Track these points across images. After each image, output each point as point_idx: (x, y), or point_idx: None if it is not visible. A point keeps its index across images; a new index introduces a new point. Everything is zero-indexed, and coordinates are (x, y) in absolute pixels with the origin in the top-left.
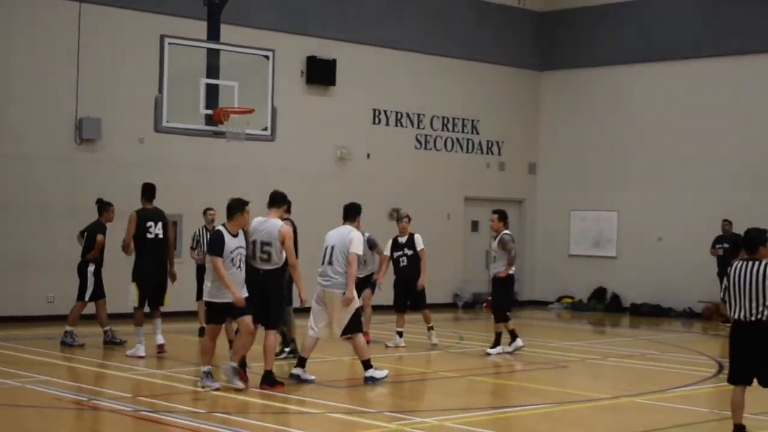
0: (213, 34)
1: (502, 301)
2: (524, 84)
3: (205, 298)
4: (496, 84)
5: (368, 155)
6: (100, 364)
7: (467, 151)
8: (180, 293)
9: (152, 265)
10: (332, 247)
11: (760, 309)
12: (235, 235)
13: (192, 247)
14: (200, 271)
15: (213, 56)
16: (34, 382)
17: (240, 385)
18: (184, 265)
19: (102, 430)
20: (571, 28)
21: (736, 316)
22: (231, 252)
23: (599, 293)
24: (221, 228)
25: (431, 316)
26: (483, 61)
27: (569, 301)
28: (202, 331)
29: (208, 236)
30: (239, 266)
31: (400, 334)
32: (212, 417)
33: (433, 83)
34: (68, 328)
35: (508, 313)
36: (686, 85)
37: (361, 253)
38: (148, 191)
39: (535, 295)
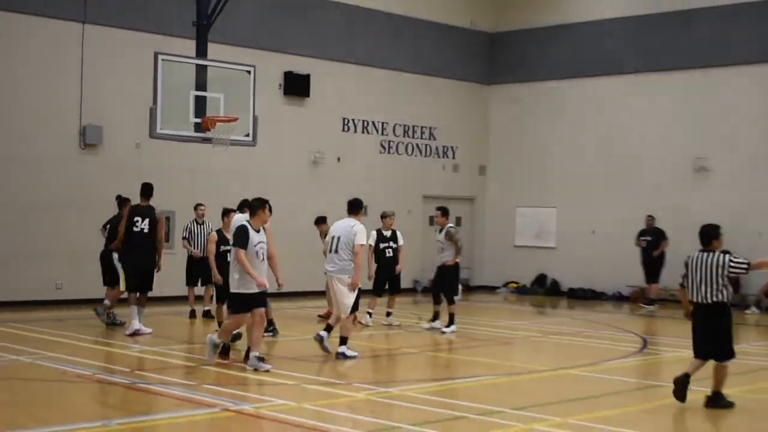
0: (201, 52)
1: (451, 286)
2: (475, 96)
3: (233, 289)
4: (450, 96)
5: (338, 158)
6: (101, 342)
7: (425, 155)
8: (172, 280)
9: (136, 255)
10: (338, 238)
11: (715, 293)
12: (258, 231)
13: (184, 237)
14: (190, 260)
15: (201, 71)
16: (43, 359)
17: (267, 367)
18: (175, 256)
19: (102, 400)
20: (516, 47)
21: (695, 300)
22: (255, 246)
23: (541, 279)
24: (246, 224)
25: (396, 302)
26: (439, 76)
27: (514, 286)
28: (192, 314)
29: (198, 229)
30: (262, 259)
31: (370, 314)
32: (201, 388)
33: (395, 95)
34: (107, 302)
35: (455, 297)
36: (615, 97)
37: (365, 243)
38: (144, 190)
39: (485, 280)
